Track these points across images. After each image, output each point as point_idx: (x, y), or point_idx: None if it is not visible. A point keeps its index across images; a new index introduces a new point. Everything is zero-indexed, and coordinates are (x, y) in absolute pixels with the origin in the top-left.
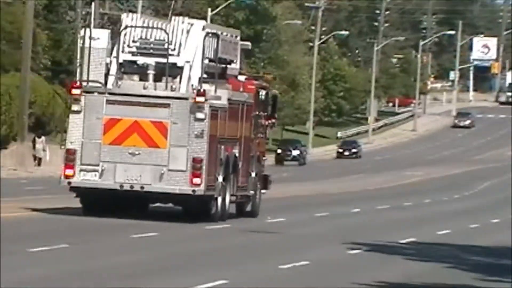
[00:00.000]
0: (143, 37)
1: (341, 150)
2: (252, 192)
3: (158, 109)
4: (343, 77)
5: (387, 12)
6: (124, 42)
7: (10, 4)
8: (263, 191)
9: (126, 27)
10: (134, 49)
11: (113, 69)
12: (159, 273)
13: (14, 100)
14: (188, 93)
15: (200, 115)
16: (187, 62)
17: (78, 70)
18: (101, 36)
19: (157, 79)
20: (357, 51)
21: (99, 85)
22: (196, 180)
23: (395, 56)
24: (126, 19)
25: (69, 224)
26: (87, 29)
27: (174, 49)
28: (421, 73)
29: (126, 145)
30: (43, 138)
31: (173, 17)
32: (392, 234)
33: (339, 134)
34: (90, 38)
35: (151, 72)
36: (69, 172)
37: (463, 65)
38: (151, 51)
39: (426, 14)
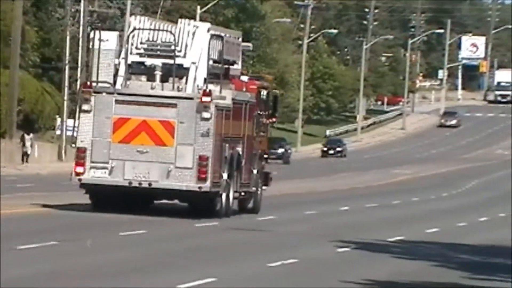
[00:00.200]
0: (151, 39)
1: (325, 149)
2: (254, 188)
3: (165, 108)
4: (332, 75)
5: (376, 11)
6: (132, 44)
7: None
8: (264, 187)
9: (134, 29)
10: (142, 51)
11: (122, 70)
12: (147, 271)
13: (3, 97)
14: (194, 93)
15: (206, 115)
16: (193, 63)
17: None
18: (110, 38)
19: (164, 79)
20: (346, 50)
21: (108, 85)
22: (202, 177)
23: (384, 54)
24: (134, 21)
25: (58, 222)
26: (97, 31)
27: (181, 51)
28: (410, 71)
29: (134, 144)
30: (31, 135)
31: (179, 20)
32: (380, 232)
33: (328, 133)
34: (100, 40)
35: (158, 73)
36: (79, 169)
37: (452, 63)
38: (158, 52)
39: (415, 13)
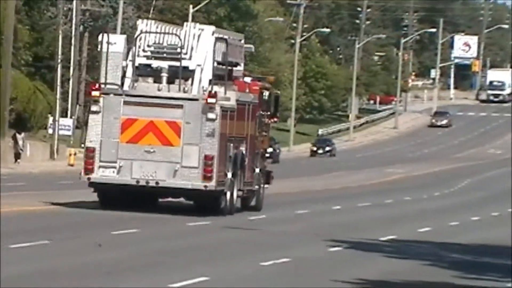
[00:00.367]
0: (157, 42)
1: (315, 149)
2: (256, 187)
3: (172, 109)
4: (325, 74)
5: (368, 10)
6: (139, 47)
7: None
8: (266, 185)
9: (141, 32)
10: (149, 53)
11: (129, 72)
12: (139, 270)
13: None
14: (199, 95)
15: (211, 115)
16: (198, 65)
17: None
18: (118, 41)
19: (170, 81)
20: (338, 49)
21: (116, 87)
22: (208, 176)
23: (377, 53)
24: (141, 25)
25: (50, 221)
26: (105, 34)
27: (186, 53)
28: (402, 70)
29: (142, 143)
30: (23, 134)
31: (185, 23)
32: (372, 231)
33: (320, 132)
34: (108, 43)
35: (164, 75)
36: (88, 168)
37: (444, 63)
38: (165, 55)
39: (407, 12)
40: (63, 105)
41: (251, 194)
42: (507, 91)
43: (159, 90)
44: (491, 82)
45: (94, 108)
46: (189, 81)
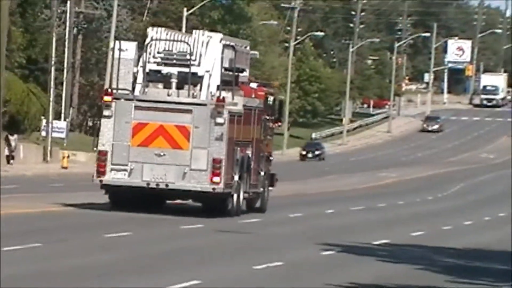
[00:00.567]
0: (167, 49)
1: (304, 152)
2: (261, 189)
3: (181, 114)
4: (319, 78)
5: (362, 14)
6: (150, 53)
7: None
8: (270, 188)
9: (152, 39)
10: (159, 60)
11: (140, 77)
12: (131, 273)
13: None
14: (207, 100)
15: (219, 120)
16: (207, 71)
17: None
18: (129, 48)
19: (179, 87)
20: (332, 52)
21: (127, 92)
22: (216, 179)
23: (370, 57)
24: (152, 32)
25: (43, 223)
26: (117, 41)
27: (195, 60)
28: (396, 74)
29: (152, 147)
30: (15, 136)
31: (193, 31)
32: (365, 235)
33: (313, 135)
34: (120, 49)
35: (174, 81)
36: (100, 171)
37: (438, 67)
38: (174, 61)
39: (401, 16)
40: (56, 107)
41: (256, 196)
42: (501, 95)
43: (168, 95)
44: (484, 87)
45: (106, 112)
46: (198, 87)
